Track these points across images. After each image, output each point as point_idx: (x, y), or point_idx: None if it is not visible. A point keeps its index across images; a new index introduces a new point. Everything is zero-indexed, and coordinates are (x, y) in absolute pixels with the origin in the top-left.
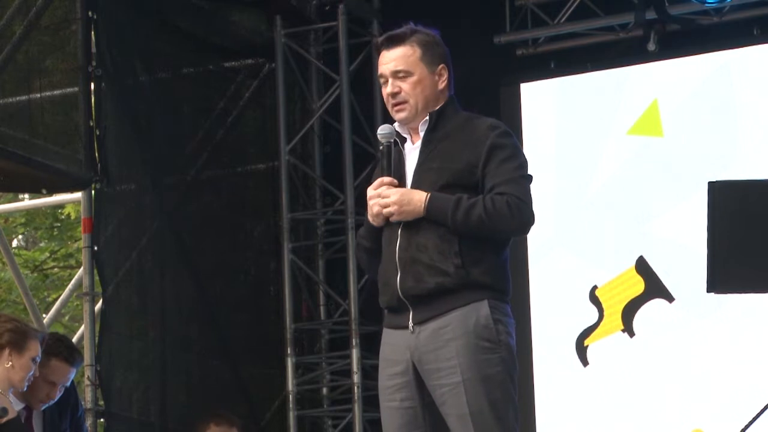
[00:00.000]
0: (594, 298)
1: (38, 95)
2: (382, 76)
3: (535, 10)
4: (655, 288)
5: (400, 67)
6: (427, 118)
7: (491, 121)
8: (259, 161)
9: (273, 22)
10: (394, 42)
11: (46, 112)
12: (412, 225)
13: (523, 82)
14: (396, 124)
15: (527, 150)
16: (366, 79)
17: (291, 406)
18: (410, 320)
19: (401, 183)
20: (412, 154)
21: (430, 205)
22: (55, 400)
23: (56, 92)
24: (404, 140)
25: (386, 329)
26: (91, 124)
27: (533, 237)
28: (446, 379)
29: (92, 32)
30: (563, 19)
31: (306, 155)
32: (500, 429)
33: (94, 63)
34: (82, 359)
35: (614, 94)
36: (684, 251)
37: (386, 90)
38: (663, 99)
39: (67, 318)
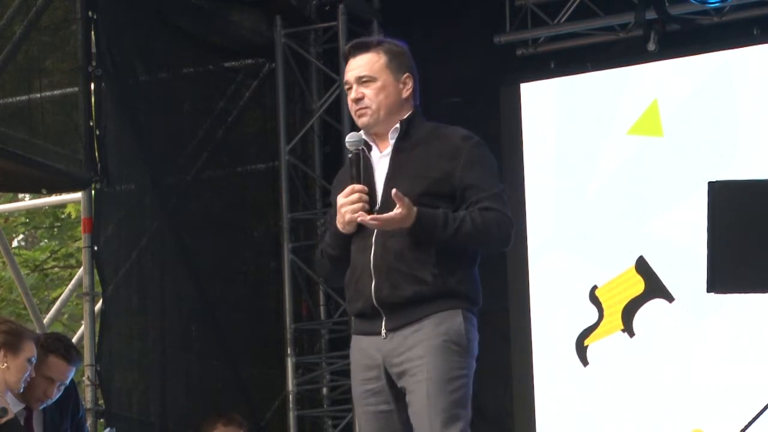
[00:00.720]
0: (594, 298)
1: (38, 95)
2: (347, 83)
3: (535, 10)
4: (655, 288)
5: (364, 73)
6: (398, 126)
7: (463, 131)
8: (259, 161)
9: (273, 22)
10: (360, 49)
11: (46, 112)
12: (388, 233)
13: (523, 82)
14: (362, 132)
15: (527, 150)
16: None
17: (291, 406)
18: (383, 327)
19: (371, 191)
20: (381, 162)
21: (416, 223)
22: (54, 398)
23: (56, 92)
24: (370, 148)
25: (356, 336)
26: (91, 124)
27: (533, 237)
28: (413, 377)
29: (92, 32)
30: (563, 19)
31: (306, 155)
32: (454, 429)
33: (94, 63)
34: (80, 359)
35: (614, 94)
36: (684, 251)
37: (350, 96)
38: (663, 99)
39: (66, 316)
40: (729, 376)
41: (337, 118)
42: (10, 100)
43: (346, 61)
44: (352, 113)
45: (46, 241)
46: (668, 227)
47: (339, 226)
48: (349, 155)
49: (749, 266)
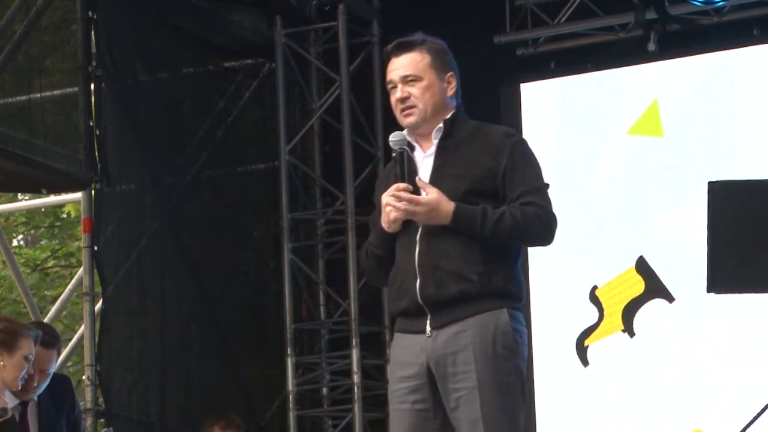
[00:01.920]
0: (594, 298)
1: (38, 95)
2: (390, 82)
3: (535, 10)
4: (655, 288)
5: (409, 72)
6: (441, 125)
7: (505, 128)
8: (259, 161)
9: (273, 22)
10: (403, 48)
11: (47, 112)
12: (433, 231)
13: (523, 82)
14: (406, 132)
15: None
16: (366, 79)
17: (291, 406)
18: (428, 325)
19: (416, 191)
20: (425, 161)
21: (455, 219)
22: (43, 387)
23: (56, 92)
24: (413, 149)
25: (399, 333)
26: (91, 124)
27: None
28: (462, 383)
29: (92, 32)
30: (563, 19)
31: (306, 155)
32: None
33: (94, 63)
34: (59, 340)
35: (614, 94)
36: (684, 251)
37: (395, 95)
38: (663, 99)
39: (64, 313)
40: (729, 376)
41: (337, 118)
42: (10, 100)
43: (388, 61)
44: (396, 113)
45: (45, 240)
46: (668, 227)
47: (384, 224)
48: (393, 154)
49: (749, 266)
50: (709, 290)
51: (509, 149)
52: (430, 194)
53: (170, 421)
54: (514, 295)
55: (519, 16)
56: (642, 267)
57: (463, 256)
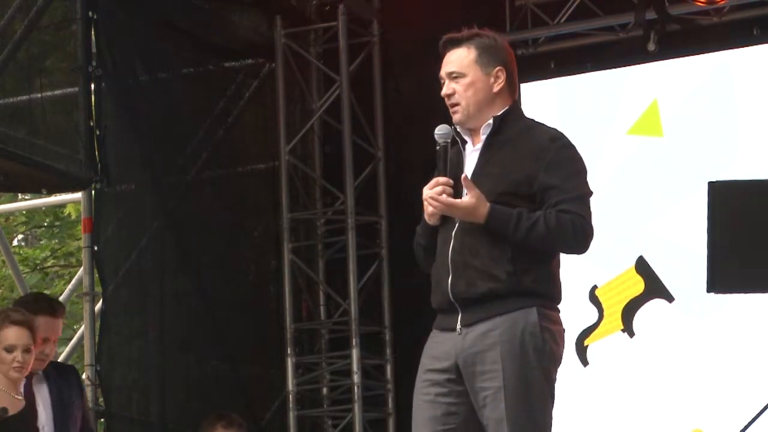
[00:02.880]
0: (594, 298)
1: (39, 95)
2: (441, 77)
3: (535, 10)
4: (655, 288)
5: (453, 69)
6: (491, 121)
7: (554, 131)
8: (259, 161)
9: (273, 22)
10: (453, 44)
11: (47, 112)
12: (467, 228)
13: (523, 82)
14: (456, 126)
15: None
16: (366, 79)
17: (291, 406)
18: (458, 323)
19: (457, 184)
20: (471, 156)
21: (490, 220)
22: (51, 356)
23: (56, 92)
24: (465, 142)
25: (435, 330)
26: (91, 124)
27: None
28: (489, 382)
29: (92, 32)
30: (563, 19)
31: (306, 155)
32: None
33: (94, 63)
34: (63, 309)
35: (614, 94)
36: (684, 251)
37: (443, 91)
38: (663, 99)
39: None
40: (729, 376)
41: (337, 118)
42: (11, 100)
43: (442, 56)
44: (450, 109)
45: (45, 240)
46: (668, 227)
47: (426, 217)
48: (437, 147)
49: (749, 266)
50: (709, 290)
51: (552, 154)
52: (470, 196)
53: (170, 421)
54: (545, 294)
55: (519, 16)
56: (642, 267)
57: (492, 255)
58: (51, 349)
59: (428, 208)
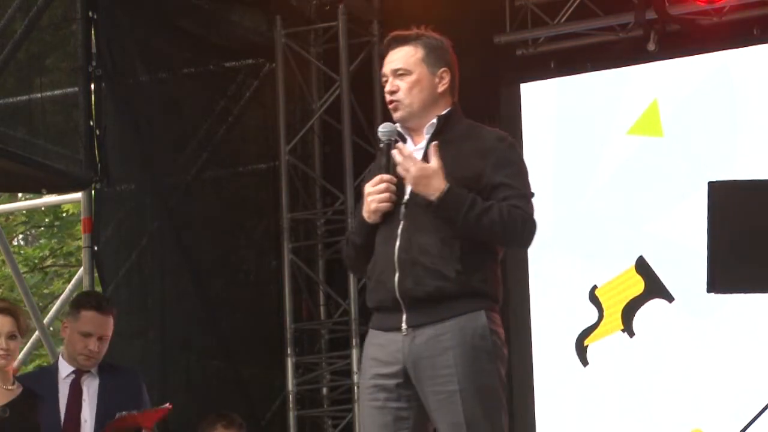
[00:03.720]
0: (594, 298)
1: (39, 95)
2: (384, 75)
3: (535, 10)
4: (655, 288)
5: (399, 66)
6: (435, 121)
7: (498, 132)
8: (259, 161)
9: (273, 22)
10: (399, 42)
11: (47, 111)
12: (414, 225)
13: (523, 82)
14: (398, 124)
15: (527, 150)
16: (366, 79)
17: (291, 406)
18: (404, 322)
19: (400, 182)
20: (414, 155)
21: (447, 194)
22: (99, 355)
23: (56, 92)
24: (404, 141)
25: (374, 330)
26: (91, 124)
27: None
28: (442, 386)
29: (92, 32)
30: (563, 19)
31: (306, 155)
32: None
33: (94, 63)
34: (112, 308)
35: (614, 94)
36: (684, 251)
37: (385, 88)
38: (663, 99)
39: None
40: (729, 376)
41: (337, 118)
42: (10, 99)
43: (385, 54)
44: (388, 106)
45: (44, 240)
46: (668, 227)
47: (365, 214)
48: (381, 145)
49: (749, 266)
50: (709, 290)
51: (499, 152)
52: (435, 162)
53: (170, 421)
54: (491, 295)
55: (519, 16)
56: (642, 267)
57: (442, 254)
58: (95, 346)
59: (371, 205)
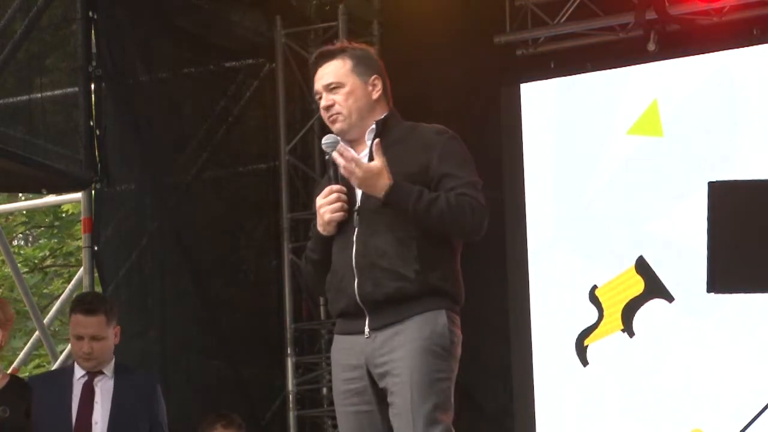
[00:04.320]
0: (594, 298)
1: (39, 95)
2: (317, 92)
3: (535, 10)
4: (654, 288)
5: (331, 80)
6: (373, 126)
7: (438, 126)
8: (259, 161)
9: (273, 22)
10: (325, 57)
11: (47, 111)
12: (369, 229)
13: (523, 82)
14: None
15: (527, 150)
16: None
17: (291, 406)
18: (366, 326)
19: (350, 192)
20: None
21: (393, 189)
22: (97, 356)
23: (56, 92)
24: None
25: (338, 336)
26: (91, 124)
27: (533, 237)
28: (397, 378)
29: (92, 32)
30: (563, 19)
31: (306, 155)
32: (439, 428)
33: (94, 63)
34: (104, 309)
35: (614, 94)
36: (684, 251)
37: (321, 104)
38: (663, 99)
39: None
40: (729, 376)
41: None
42: (10, 99)
43: (314, 72)
44: (326, 121)
45: (44, 240)
46: (668, 227)
47: (319, 228)
48: (326, 157)
49: (749, 266)
50: (709, 290)
51: (441, 145)
52: (378, 160)
53: (170, 421)
54: (452, 294)
55: (519, 16)
56: (641, 267)
57: (400, 255)
58: (88, 347)
59: (324, 216)
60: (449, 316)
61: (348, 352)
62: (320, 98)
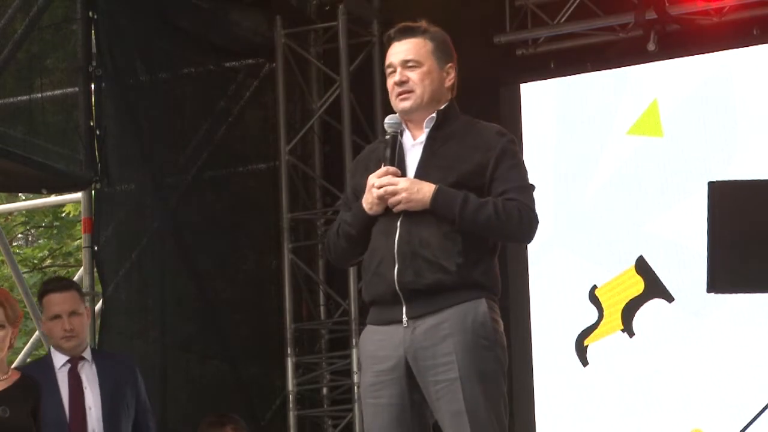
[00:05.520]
0: (594, 298)
1: (39, 95)
2: (390, 65)
3: (535, 10)
4: (654, 288)
5: (410, 57)
6: (434, 115)
7: (498, 127)
8: (259, 161)
9: (273, 22)
10: (407, 33)
11: (47, 111)
12: (414, 218)
13: (523, 82)
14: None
15: (527, 150)
16: (366, 79)
17: (291, 406)
18: (404, 315)
19: (403, 174)
20: (414, 149)
21: (437, 196)
22: (80, 332)
23: (57, 92)
24: (402, 134)
25: (372, 326)
26: (91, 124)
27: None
28: (443, 375)
29: (92, 32)
30: (563, 19)
31: (306, 155)
32: (495, 425)
33: (94, 63)
34: (75, 285)
35: (614, 94)
36: (684, 251)
37: (393, 79)
38: (663, 99)
39: None
40: (729, 376)
41: (337, 118)
42: (10, 99)
43: (389, 45)
44: (392, 97)
45: (44, 240)
46: (668, 227)
47: (366, 205)
48: (386, 137)
49: (749, 266)
50: (709, 290)
51: (500, 147)
52: (403, 179)
53: (170, 421)
54: (491, 288)
55: (519, 16)
56: (641, 267)
57: (443, 247)
58: (68, 323)
59: (374, 194)
60: (489, 304)
61: (383, 343)
62: (393, 72)
